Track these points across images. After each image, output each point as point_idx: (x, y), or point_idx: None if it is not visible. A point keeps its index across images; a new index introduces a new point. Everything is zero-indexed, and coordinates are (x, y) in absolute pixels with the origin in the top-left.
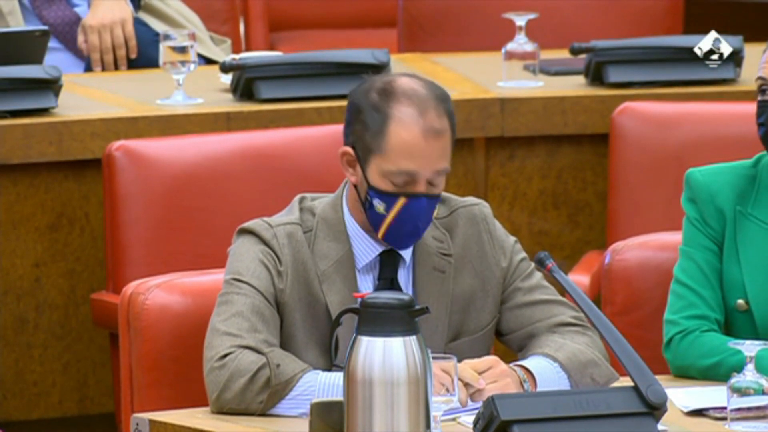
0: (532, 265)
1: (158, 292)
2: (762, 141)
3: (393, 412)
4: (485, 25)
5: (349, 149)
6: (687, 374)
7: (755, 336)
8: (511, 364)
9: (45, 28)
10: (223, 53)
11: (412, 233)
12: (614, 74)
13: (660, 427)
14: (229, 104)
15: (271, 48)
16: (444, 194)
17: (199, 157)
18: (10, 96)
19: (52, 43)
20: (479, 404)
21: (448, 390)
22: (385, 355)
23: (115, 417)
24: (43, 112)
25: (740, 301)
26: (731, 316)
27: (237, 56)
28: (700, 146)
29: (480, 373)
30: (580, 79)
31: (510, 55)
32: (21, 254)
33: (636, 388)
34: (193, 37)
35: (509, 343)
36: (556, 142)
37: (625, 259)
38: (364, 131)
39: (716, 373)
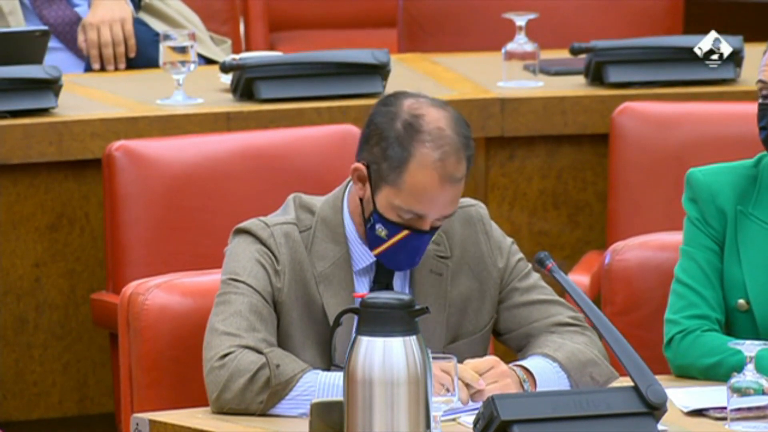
0: (530, 265)
1: (158, 292)
2: (764, 144)
3: (393, 412)
4: (485, 25)
5: (362, 168)
6: (687, 374)
7: (756, 336)
8: (510, 365)
9: (45, 28)
10: (223, 53)
11: (408, 264)
12: (614, 74)
13: (660, 427)
14: (229, 104)
15: (271, 48)
16: None
17: (199, 157)
18: (10, 96)
19: (53, 43)
20: (479, 404)
21: (448, 390)
22: (385, 355)
23: (115, 417)
24: (43, 112)
25: (741, 301)
26: (732, 316)
27: (237, 56)
28: (700, 146)
29: (480, 374)
30: (580, 79)
31: (510, 55)
32: (21, 254)
33: (636, 388)
34: (193, 37)
35: (507, 343)
36: (556, 142)
37: (625, 259)
38: (382, 159)
39: (716, 373)
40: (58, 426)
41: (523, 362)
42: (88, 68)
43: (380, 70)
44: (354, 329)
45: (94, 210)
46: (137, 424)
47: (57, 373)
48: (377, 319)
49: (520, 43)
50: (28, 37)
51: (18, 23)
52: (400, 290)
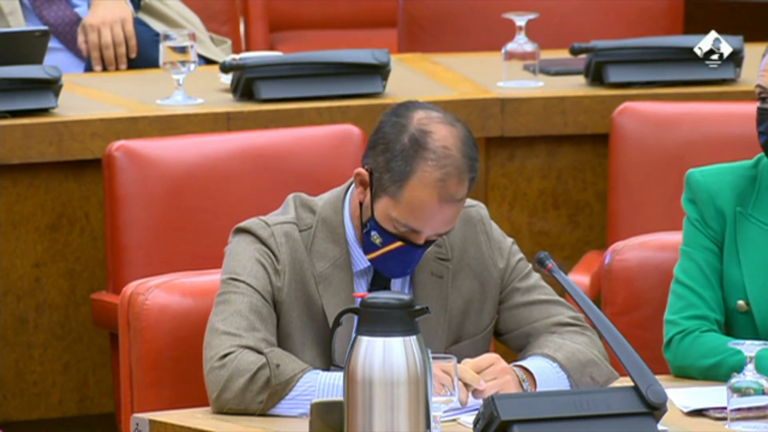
0: (530, 265)
1: (158, 292)
2: (763, 149)
3: (393, 413)
4: (485, 25)
5: (365, 173)
6: (687, 374)
7: (755, 336)
8: (510, 365)
9: (45, 28)
10: (223, 53)
11: (399, 273)
12: (614, 74)
13: (660, 427)
14: (229, 104)
15: (271, 48)
16: None
17: (199, 157)
18: (10, 96)
19: (53, 43)
20: (479, 404)
21: (448, 390)
22: (385, 355)
23: (115, 417)
24: (43, 112)
25: (740, 302)
26: (731, 317)
27: (237, 56)
28: (700, 146)
29: (480, 371)
30: (580, 80)
31: (510, 56)
32: (21, 254)
33: (636, 388)
34: (193, 37)
35: (507, 343)
36: (556, 142)
37: (625, 259)
38: (384, 170)
39: (716, 373)
40: (58, 426)
41: (522, 362)
42: (88, 68)
43: (380, 70)
44: (354, 329)
45: (94, 210)
46: (137, 424)
47: (57, 373)
48: (377, 319)
49: (520, 43)
50: (28, 37)
51: (18, 23)
52: (400, 290)
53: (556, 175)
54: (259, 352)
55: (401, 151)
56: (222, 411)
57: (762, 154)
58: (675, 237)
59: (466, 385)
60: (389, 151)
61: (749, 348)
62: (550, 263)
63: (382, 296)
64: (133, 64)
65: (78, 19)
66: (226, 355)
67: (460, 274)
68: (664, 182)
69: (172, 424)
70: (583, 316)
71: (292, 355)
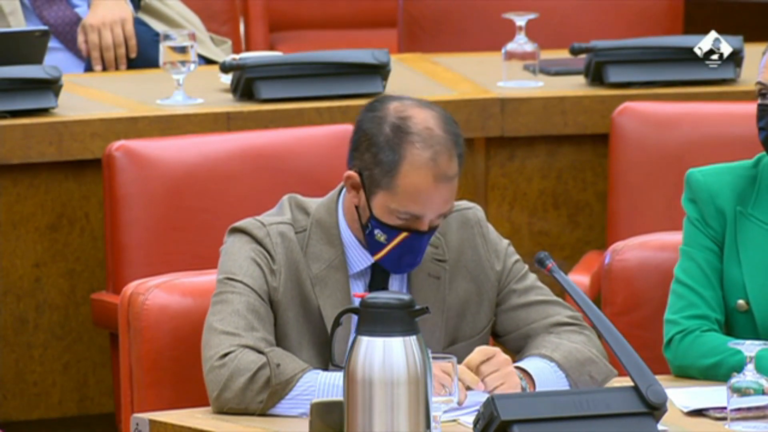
0: (526, 266)
1: (158, 292)
2: (763, 145)
3: (393, 413)
4: (485, 25)
5: (355, 175)
6: (687, 374)
7: (756, 336)
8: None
9: (45, 28)
10: (223, 53)
11: (410, 264)
12: (614, 74)
13: (660, 427)
14: (229, 104)
15: (271, 48)
16: None
17: (199, 157)
18: (10, 96)
19: (53, 43)
20: (479, 404)
21: (448, 391)
22: (385, 355)
23: (115, 417)
24: (43, 112)
25: (741, 302)
26: (732, 317)
27: (237, 56)
28: (700, 146)
29: (482, 362)
30: (580, 79)
31: (510, 55)
32: (21, 254)
33: (636, 388)
34: (193, 37)
35: (506, 345)
36: (556, 142)
37: (625, 259)
38: (373, 165)
39: (716, 373)
40: (58, 426)
41: (520, 363)
42: (88, 68)
43: (380, 70)
44: (353, 329)
45: (94, 210)
46: (137, 424)
47: (57, 373)
48: (377, 319)
49: (520, 43)
50: (28, 37)
51: (18, 23)
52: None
53: (556, 175)
54: (259, 352)
55: (386, 141)
56: (222, 410)
57: (762, 153)
58: (675, 237)
59: (466, 387)
60: (374, 146)
61: (749, 348)
62: (550, 263)
63: (382, 296)
64: (133, 64)
65: (78, 19)
66: (226, 355)
67: (457, 276)
68: (664, 182)
69: (172, 424)
70: (581, 315)
71: (292, 354)
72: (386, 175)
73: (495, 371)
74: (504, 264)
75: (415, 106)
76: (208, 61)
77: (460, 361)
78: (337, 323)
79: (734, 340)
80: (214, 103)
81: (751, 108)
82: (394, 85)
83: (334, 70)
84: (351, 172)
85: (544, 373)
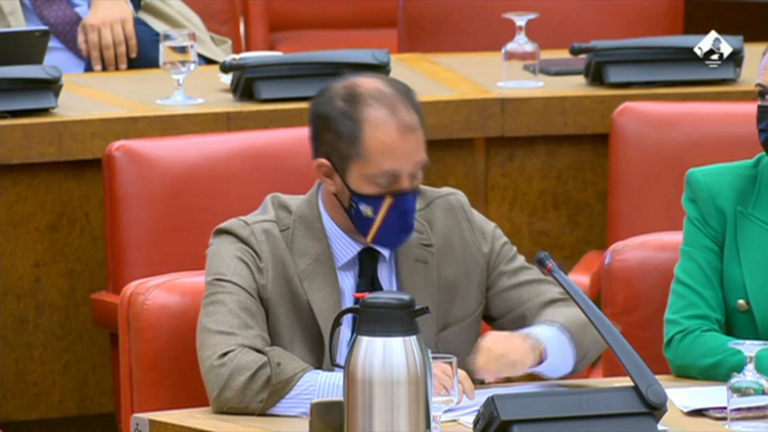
0: (515, 248)
1: (158, 292)
2: (763, 147)
3: (393, 413)
4: (485, 25)
5: (323, 161)
6: (687, 374)
7: (756, 336)
8: (517, 332)
9: (45, 28)
10: (223, 53)
11: (405, 229)
12: (614, 74)
13: (660, 427)
14: (229, 104)
15: (271, 48)
16: (419, 186)
17: (199, 157)
18: (10, 96)
19: (53, 43)
20: (479, 404)
21: (447, 390)
22: (385, 355)
23: (115, 417)
24: (43, 112)
25: (741, 302)
26: (732, 317)
27: (237, 56)
28: (700, 146)
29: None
30: (580, 79)
31: (510, 55)
32: (21, 254)
33: (636, 388)
34: (193, 37)
35: (503, 327)
36: (556, 142)
37: (625, 259)
38: (337, 141)
39: (716, 373)
40: (58, 426)
41: (524, 330)
42: (88, 68)
43: (380, 70)
44: (346, 325)
45: (94, 210)
46: (137, 424)
47: (57, 373)
48: (377, 319)
49: (520, 43)
50: (28, 37)
51: (18, 23)
52: (386, 280)
53: (556, 175)
54: (258, 351)
55: (341, 113)
56: (222, 410)
57: (762, 153)
58: (675, 237)
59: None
60: (331, 123)
61: (749, 348)
62: (550, 263)
63: (382, 296)
64: (133, 64)
65: (78, 19)
66: (225, 354)
67: (445, 261)
68: (664, 182)
69: (172, 424)
70: None
71: (292, 354)
72: (352, 145)
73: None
74: (492, 246)
75: (358, 76)
76: (209, 61)
77: (454, 346)
78: (337, 323)
79: (734, 340)
80: (214, 103)
81: (751, 108)
82: None
83: (334, 70)
84: (319, 161)
85: (549, 335)
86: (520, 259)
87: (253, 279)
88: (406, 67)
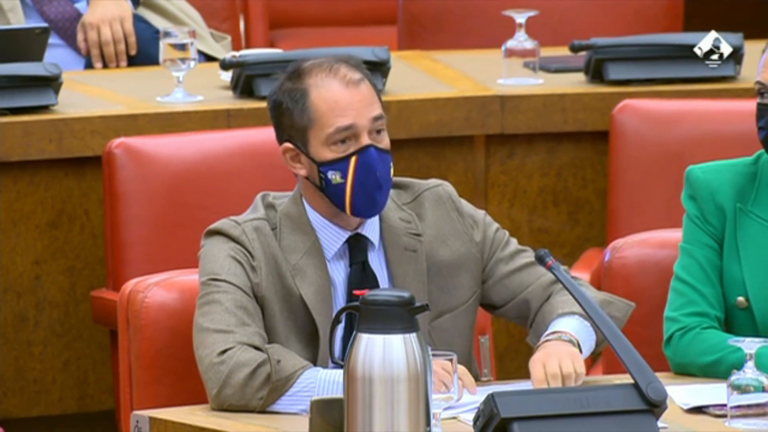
0: (507, 232)
1: (157, 289)
2: (762, 144)
3: (393, 410)
4: (485, 22)
5: (287, 145)
6: (687, 371)
7: (755, 333)
8: (548, 336)
9: (45, 25)
10: (223, 50)
11: (377, 186)
12: (614, 72)
13: (660, 424)
14: (229, 101)
15: (271, 45)
16: (405, 179)
17: (199, 154)
18: (10, 93)
19: (53, 39)
20: (479, 401)
21: (447, 387)
22: (385, 352)
23: (115, 414)
24: (43, 109)
25: (740, 299)
26: (731, 314)
27: (237, 53)
28: (700, 143)
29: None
30: (580, 77)
31: (510, 53)
32: (21, 252)
33: (636, 386)
34: (193, 34)
35: (507, 314)
36: (556, 139)
37: (625, 256)
38: (291, 117)
39: (716, 370)
40: (58, 423)
41: (552, 328)
42: (89, 65)
43: (380, 68)
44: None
45: (94, 207)
46: (137, 422)
47: (57, 371)
48: (377, 317)
49: (520, 40)
50: (28, 34)
51: (18, 20)
52: (378, 268)
53: (556, 173)
54: (257, 348)
55: (288, 92)
56: (222, 407)
57: (762, 150)
58: (675, 234)
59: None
60: (283, 104)
61: (749, 345)
62: (550, 260)
63: (382, 294)
64: (133, 62)
65: (78, 15)
66: (224, 351)
67: (435, 250)
68: (664, 179)
69: (172, 421)
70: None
71: (292, 351)
72: (303, 113)
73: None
74: (485, 234)
75: (303, 60)
76: (209, 58)
77: (448, 335)
78: (337, 321)
79: (734, 337)
80: (214, 100)
81: (751, 105)
82: (394, 82)
83: None
84: (283, 146)
85: (575, 325)
86: (514, 243)
87: (248, 277)
88: (406, 65)
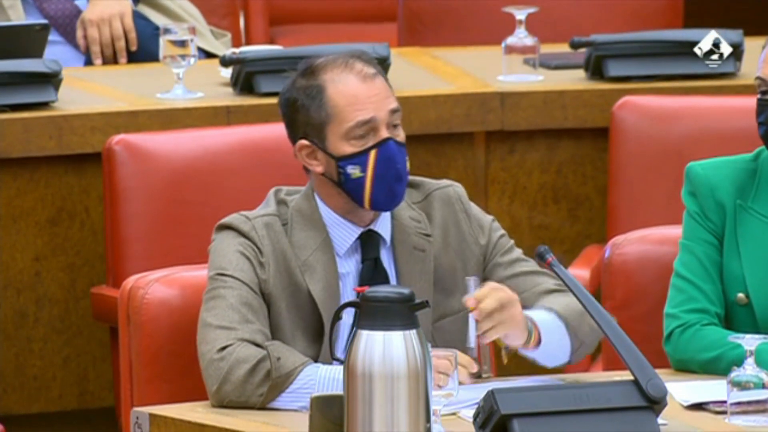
0: (512, 241)
1: (158, 286)
2: (762, 140)
3: (393, 406)
4: (485, 19)
5: (303, 142)
6: (687, 368)
7: (755, 330)
8: None
9: (45, 22)
10: (223, 47)
11: (397, 179)
12: (614, 68)
13: (660, 421)
14: (229, 98)
15: (271, 42)
16: (417, 178)
17: (199, 151)
18: (10, 90)
19: (53, 36)
20: (479, 398)
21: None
22: (385, 349)
23: (115, 411)
24: (43, 106)
25: (740, 295)
26: (731, 310)
27: (237, 50)
28: (700, 140)
29: (495, 310)
30: (580, 73)
31: (510, 49)
32: (21, 248)
33: (636, 382)
34: (193, 31)
35: None
36: (556, 136)
37: (625, 253)
38: (307, 114)
39: (716, 367)
40: (58, 420)
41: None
42: (88, 62)
43: (380, 65)
44: (347, 319)
45: (94, 204)
46: (137, 418)
47: (57, 367)
48: (377, 313)
49: (520, 37)
50: (28, 31)
51: (18, 17)
52: (387, 266)
53: (556, 169)
54: (258, 345)
55: (303, 89)
56: (222, 404)
57: (762, 147)
58: (675, 231)
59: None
60: (297, 101)
61: (749, 342)
62: (550, 257)
63: (382, 290)
64: (133, 58)
65: (78, 12)
66: (224, 348)
67: (442, 252)
68: (664, 176)
69: (172, 418)
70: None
71: (292, 348)
72: (321, 109)
73: (503, 317)
74: (489, 238)
75: (317, 57)
76: (209, 55)
77: (449, 338)
78: (337, 317)
79: (734, 333)
80: (214, 96)
81: (751, 101)
82: (394, 79)
83: None
84: (299, 144)
85: (546, 321)
86: (517, 252)
87: (255, 274)
88: (406, 61)
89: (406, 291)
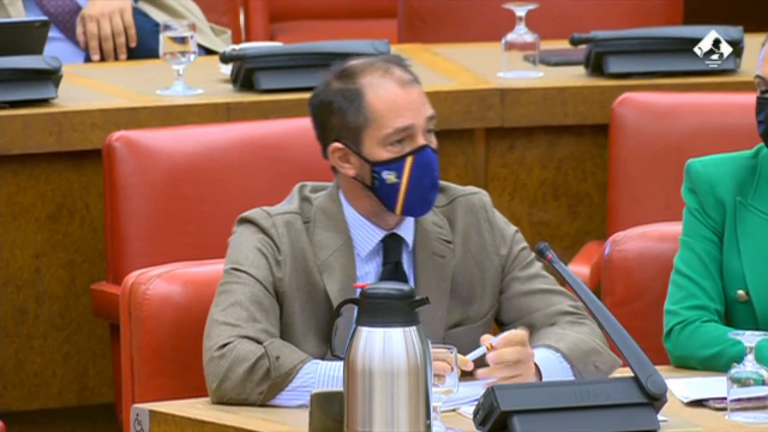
0: (533, 255)
1: (159, 282)
2: (762, 138)
3: (393, 403)
4: (485, 15)
5: (336, 144)
6: (687, 365)
7: (755, 327)
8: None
9: (45, 18)
10: (223, 44)
11: (433, 186)
12: (614, 65)
13: (660, 417)
14: (229, 95)
15: (271, 39)
16: (443, 183)
17: (199, 147)
18: (10, 86)
19: (53, 33)
20: (479, 395)
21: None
22: (385, 345)
23: (116, 407)
24: (43, 102)
25: (740, 292)
26: (731, 307)
27: (237, 47)
28: (700, 137)
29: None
30: (580, 70)
31: (510, 46)
32: (21, 245)
33: (636, 379)
34: (193, 27)
35: None
36: (556, 132)
37: (625, 249)
38: (343, 118)
39: (716, 363)
40: (58, 416)
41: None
42: (88, 58)
43: None
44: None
45: (94, 200)
46: (137, 414)
47: (57, 364)
48: (377, 310)
49: (520, 33)
50: (28, 27)
51: (18, 13)
52: (406, 271)
53: (555, 166)
54: (258, 342)
55: (341, 93)
56: (222, 401)
57: (762, 144)
58: (675, 227)
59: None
60: (333, 104)
61: (749, 338)
62: (550, 254)
63: (382, 287)
64: (133, 55)
65: (78, 8)
66: (224, 345)
67: (462, 260)
68: (664, 173)
69: (172, 415)
70: (583, 305)
71: (291, 345)
72: (359, 113)
73: (518, 371)
74: (510, 250)
75: (349, 59)
76: (209, 51)
77: (462, 346)
78: (337, 314)
79: (734, 330)
80: (214, 93)
81: (751, 99)
82: None
83: (334, 61)
84: (332, 146)
85: (550, 363)
86: (537, 266)
87: (270, 272)
88: (406, 58)
89: (406, 288)
